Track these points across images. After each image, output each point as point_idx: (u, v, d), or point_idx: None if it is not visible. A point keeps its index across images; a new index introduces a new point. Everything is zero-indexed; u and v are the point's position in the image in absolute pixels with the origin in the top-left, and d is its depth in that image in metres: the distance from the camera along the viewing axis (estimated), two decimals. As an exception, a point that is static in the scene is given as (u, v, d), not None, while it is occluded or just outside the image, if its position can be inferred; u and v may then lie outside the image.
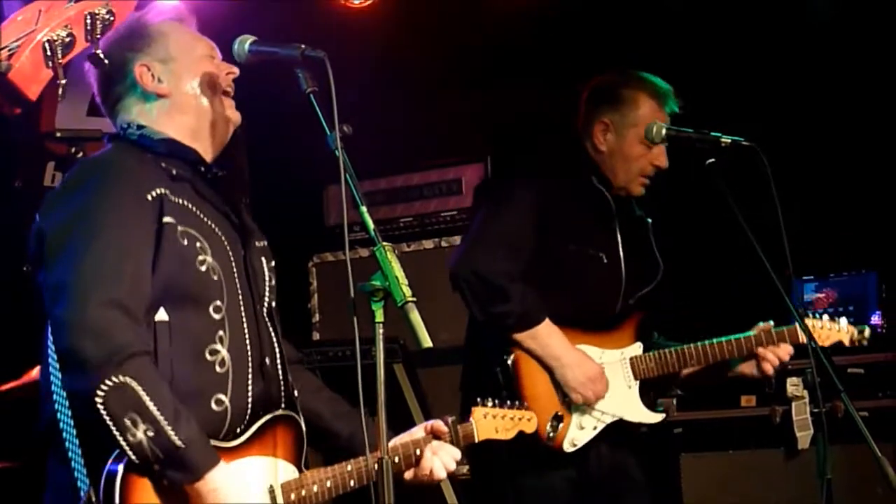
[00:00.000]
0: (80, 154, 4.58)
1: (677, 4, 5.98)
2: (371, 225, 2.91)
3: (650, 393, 4.40)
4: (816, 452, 4.47)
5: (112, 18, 2.27)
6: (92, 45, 2.28)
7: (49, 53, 2.22)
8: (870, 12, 5.75)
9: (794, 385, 5.01)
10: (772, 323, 4.36)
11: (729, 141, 4.04)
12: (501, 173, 4.67)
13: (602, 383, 4.24)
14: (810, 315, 4.37)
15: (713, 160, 4.00)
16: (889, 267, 5.39)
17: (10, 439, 4.31)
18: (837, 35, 5.80)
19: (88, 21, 2.25)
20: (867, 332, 4.42)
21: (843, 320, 4.36)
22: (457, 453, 3.42)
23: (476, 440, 3.54)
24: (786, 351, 4.32)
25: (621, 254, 4.43)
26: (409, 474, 3.34)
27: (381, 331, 2.82)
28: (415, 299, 2.81)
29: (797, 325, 4.25)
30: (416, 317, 2.80)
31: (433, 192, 6.63)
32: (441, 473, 3.36)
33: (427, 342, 2.80)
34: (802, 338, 4.28)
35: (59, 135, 4.45)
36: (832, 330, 4.33)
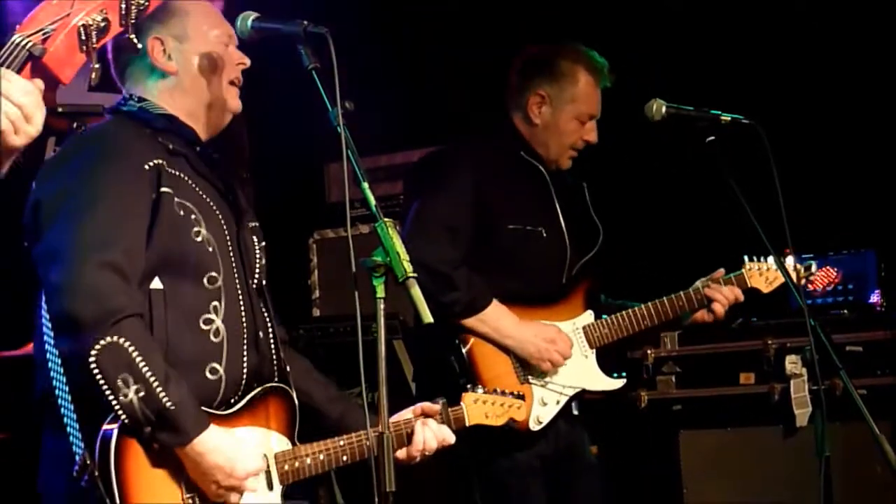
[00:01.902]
0: (81, 129, 4.58)
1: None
2: (373, 201, 2.92)
3: (611, 356, 4.41)
4: (815, 430, 4.46)
5: (147, 3, 2.26)
6: (126, 30, 2.28)
7: (84, 38, 2.22)
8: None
9: (792, 363, 5.01)
10: (722, 270, 4.41)
11: (728, 118, 4.04)
12: (431, 155, 4.55)
13: (563, 341, 4.22)
14: (755, 259, 4.44)
15: (713, 138, 4.00)
16: (888, 245, 5.39)
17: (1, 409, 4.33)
18: (838, 13, 5.79)
19: (123, 6, 2.25)
20: (814, 267, 4.52)
21: (790, 259, 4.30)
22: (449, 432, 3.43)
23: (466, 424, 3.54)
24: (734, 294, 4.38)
25: (563, 225, 4.39)
26: (401, 453, 3.35)
27: (382, 306, 2.83)
28: (416, 275, 2.83)
29: (765, 265, 4.41)
30: (417, 292, 2.82)
31: (434, 168, 6.61)
32: (433, 444, 3.37)
33: (428, 318, 2.82)
34: (750, 283, 4.43)
35: (60, 110, 4.44)
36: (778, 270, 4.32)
